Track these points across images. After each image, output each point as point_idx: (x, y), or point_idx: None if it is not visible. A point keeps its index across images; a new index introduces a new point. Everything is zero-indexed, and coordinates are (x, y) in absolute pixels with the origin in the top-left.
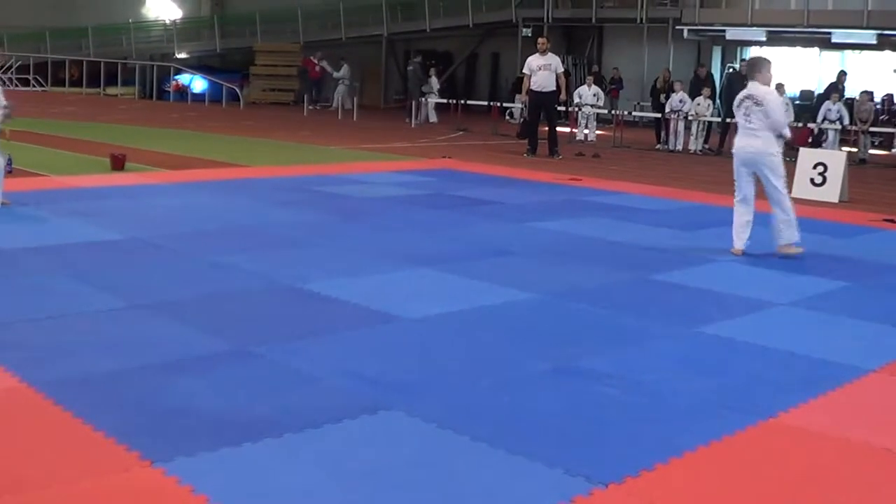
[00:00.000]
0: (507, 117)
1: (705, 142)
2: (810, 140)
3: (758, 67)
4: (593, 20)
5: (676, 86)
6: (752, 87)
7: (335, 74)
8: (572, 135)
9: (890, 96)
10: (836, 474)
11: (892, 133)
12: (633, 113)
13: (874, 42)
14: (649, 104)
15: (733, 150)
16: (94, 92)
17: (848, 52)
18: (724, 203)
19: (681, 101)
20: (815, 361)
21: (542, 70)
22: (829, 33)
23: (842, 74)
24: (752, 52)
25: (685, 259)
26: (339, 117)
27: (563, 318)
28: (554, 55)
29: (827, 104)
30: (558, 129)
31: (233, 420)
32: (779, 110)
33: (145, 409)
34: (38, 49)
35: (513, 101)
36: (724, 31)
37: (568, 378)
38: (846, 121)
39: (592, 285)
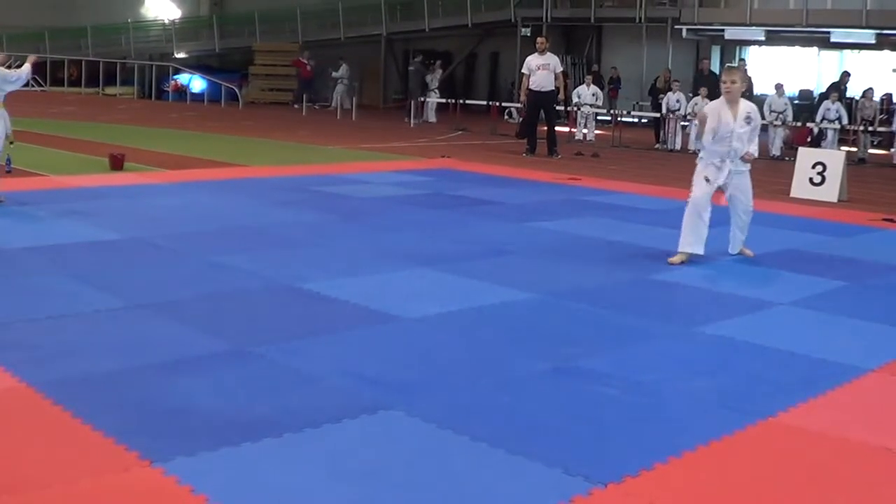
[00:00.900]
0: (506, 117)
1: None
2: (809, 140)
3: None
4: (592, 20)
5: (674, 86)
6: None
7: (334, 74)
8: (571, 134)
9: (889, 96)
10: (836, 474)
11: (892, 133)
12: (632, 113)
13: (873, 41)
14: (648, 104)
15: None
16: (92, 92)
17: (847, 52)
18: (723, 203)
19: (677, 101)
20: (815, 361)
21: (541, 70)
22: (828, 33)
23: (845, 75)
24: (752, 51)
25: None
26: (338, 117)
27: (562, 318)
28: (553, 55)
29: (826, 103)
30: (557, 128)
31: (232, 420)
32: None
33: (145, 408)
34: (37, 49)
35: (513, 101)
36: (722, 30)
37: (568, 378)
38: (845, 120)
39: (592, 285)
